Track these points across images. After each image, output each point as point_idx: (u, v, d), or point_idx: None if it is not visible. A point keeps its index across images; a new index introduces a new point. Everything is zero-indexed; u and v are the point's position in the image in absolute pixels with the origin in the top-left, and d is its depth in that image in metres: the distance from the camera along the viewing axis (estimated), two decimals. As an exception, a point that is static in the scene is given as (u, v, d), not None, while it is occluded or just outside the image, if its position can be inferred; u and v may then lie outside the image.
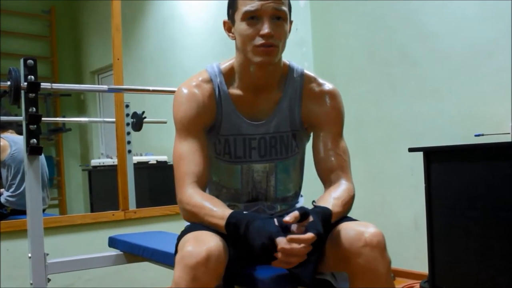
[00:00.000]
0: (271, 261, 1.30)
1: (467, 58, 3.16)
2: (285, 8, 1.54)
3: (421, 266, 3.22)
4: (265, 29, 1.50)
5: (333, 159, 1.62)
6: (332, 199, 1.50)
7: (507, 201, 2.48)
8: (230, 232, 1.39)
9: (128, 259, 2.44)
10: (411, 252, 3.43)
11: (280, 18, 1.53)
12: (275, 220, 1.32)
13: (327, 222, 1.38)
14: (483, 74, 3.07)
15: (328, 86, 1.69)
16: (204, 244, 1.31)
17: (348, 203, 1.54)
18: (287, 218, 1.28)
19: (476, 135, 2.84)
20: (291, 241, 1.26)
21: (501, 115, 2.92)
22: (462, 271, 2.66)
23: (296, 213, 1.30)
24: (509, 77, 2.91)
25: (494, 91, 3.01)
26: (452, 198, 2.70)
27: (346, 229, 1.40)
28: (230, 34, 1.62)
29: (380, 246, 1.35)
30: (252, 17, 1.51)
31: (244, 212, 1.40)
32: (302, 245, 1.26)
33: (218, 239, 1.36)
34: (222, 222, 1.40)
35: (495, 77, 3.00)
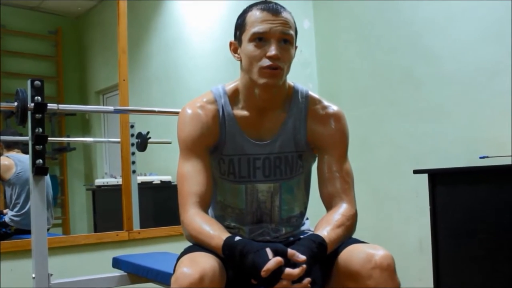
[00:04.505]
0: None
1: (470, 80, 3.17)
2: (292, 32, 1.58)
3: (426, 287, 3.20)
4: (272, 51, 1.52)
5: (336, 182, 1.63)
6: (326, 224, 1.52)
7: (513, 224, 2.47)
8: (228, 259, 1.41)
9: (132, 280, 2.43)
10: (415, 274, 3.40)
11: (287, 42, 1.56)
12: (268, 251, 1.32)
13: (319, 248, 1.40)
14: (486, 95, 3.08)
15: (333, 108, 1.70)
16: (198, 265, 1.33)
17: (345, 225, 1.53)
18: (270, 266, 1.29)
19: (481, 157, 2.84)
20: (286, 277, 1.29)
21: (504, 137, 2.92)
22: (468, 294, 2.65)
23: (278, 260, 1.30)
24: (510, 98, 2.92)
25: (497, 113, 3.01)
26: (457, 221, 2.70)
27: (356, 251, 1.42)
28: (236, 55, 1.64)
29: (390, 269, 1.36)
30: (260, 39, 1.54)
31: (236, 239, 1.40)
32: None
33: (213, 260, 1.37)
34: (219, 250, 1.41)
35: (498, 99, 3.01)
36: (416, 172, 2.87)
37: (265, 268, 1.28)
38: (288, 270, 1.29)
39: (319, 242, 1.41)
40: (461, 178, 2.75)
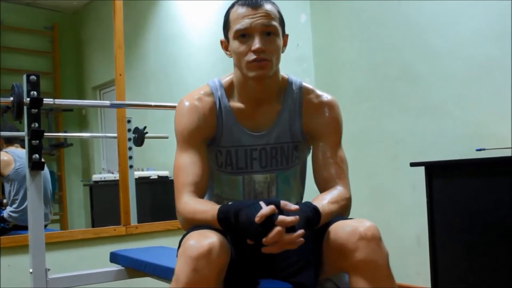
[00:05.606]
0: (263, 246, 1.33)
1: (469, 76, 3.16)
2: (275, 23, 1.59)
3: (424, 282, 3.20)
4: (256, 45, 1.55)
5: (331, 168, 1.66)
6: (321, 199, 1.56)
7: (511, 216, 2.47)
8: (223, 226, 1.43)
9: (129, 275, 2.43)
10: (413, 268, 3.41)
11: (271, 34, 1.58)
12: (261, 203, 1.35)
13: (313, 212, 1.43)
14: (486, 91, 3.08)
15: (326, 97, 1.74)
16: (207, 238, 1.34)
17: (339, 204, 1.57)
18: (264, 212, 1.31)
19: (477, 150, 2.85)
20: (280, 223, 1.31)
21: (503, 132, 2.92)
22: (466, 286, 2.65)
23: (272, 207, 1.33)
24: (509, 93, 2.92)
25: (496, 108, 3.01)
26: (454, 213, 2.70)
27: (341, 226, 1.44)
28: (227, 52, 1.68)
29: (375, 239, 1.38)
30: (243, 35, 1.58)
31: (229, 204, 1.44)
32: (292, 219, 1.32)
33: (220, 236, 1.39)
34: (215, 221, 1.43)
35: (498, 95, 3.01)
36: (412, 164, 2.87)
37: (258, 214, 1.30)
38: (281, 216, 1.32)
39: (313, 207, 1.45)
40: (458, 170, 2.75)
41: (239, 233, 1.38)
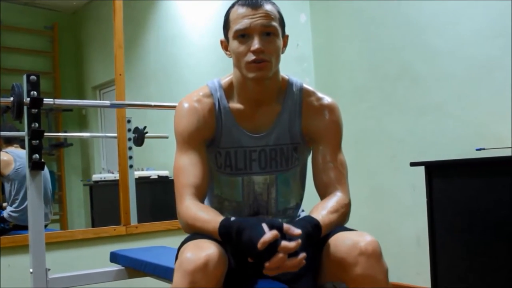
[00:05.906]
0: (264, 267, 1.32)
1: (469, 76, 3.17)
2: (274, 24, 1.59)
3: (424, 282, 3.20)
4: (255, 45, 1.55)
5: (330, 172, 1.65)
6: (321, 209, 1.54)
7: (511, 216, 2.47)
8: (224, 241, 1.42)
9: (129, 274, 2.43)
10: (413, 268, 3.40)
11: (271, 34, 1.58)
12: (264, 226, 1.33)
13: (313, 229, 1.42)
14: (486, 91, 3.08)
15: (327, 100, 1.73)
16: (203, 251, 1.34)
17: (339, 212, 1.56)
18: (266, 239, 1.29)
19: (477, 149, 2.85)
20: (282, 250, 1.29)
21: (503, 132, 2.92)
22: (466, 286, 2.65)
23: (274, 233, 1.31)
24: (509, 93, 2.92)
25: (496, 108, 3.01)
26: (454, 213, 2.70)
27: (342, 239, 1.43)
28: (227, 52, 1.68)
29: (376, 254, 1.37)
30: (242, 35, 1.57)
31: (232, 219, 1.42)
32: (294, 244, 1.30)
33: (217, 246, 1.38)
34: (216, 233, 1.42)
35: (497, 94, 3.01)
36: (412, 164, 2.87)
37: (261, 240, 1.28)
38: (284, 242, 1.30)
39: (314, 223, 1.44)
40: (458, 170, 2.75)
41: (240, 250, 1.37)
